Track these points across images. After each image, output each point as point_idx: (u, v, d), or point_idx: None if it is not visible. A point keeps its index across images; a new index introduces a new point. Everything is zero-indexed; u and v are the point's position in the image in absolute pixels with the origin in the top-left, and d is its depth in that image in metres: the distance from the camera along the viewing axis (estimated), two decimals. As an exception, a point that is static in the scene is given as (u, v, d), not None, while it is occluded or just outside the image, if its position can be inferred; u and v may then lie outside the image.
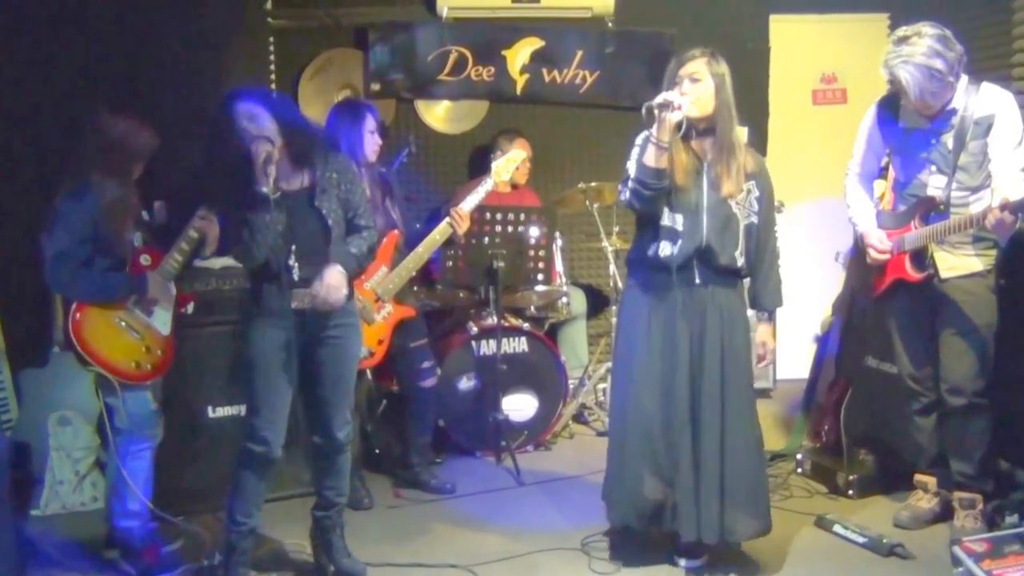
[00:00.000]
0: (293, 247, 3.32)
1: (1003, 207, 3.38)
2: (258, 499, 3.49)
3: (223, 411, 4.28)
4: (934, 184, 3.75)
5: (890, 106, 3.87)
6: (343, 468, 3.60)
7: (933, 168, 3.74)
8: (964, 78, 3.65)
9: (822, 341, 4.97)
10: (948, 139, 3.67)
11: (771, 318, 3.73)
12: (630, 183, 3.46)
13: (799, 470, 4.63)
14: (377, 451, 4.79)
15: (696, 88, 3.41)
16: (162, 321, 3.75)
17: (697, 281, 3.50)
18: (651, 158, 3.37)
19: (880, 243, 3.90)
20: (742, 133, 6.22)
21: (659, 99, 3.32)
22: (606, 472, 3.75)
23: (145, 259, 3.72)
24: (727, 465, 3.50)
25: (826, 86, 6.47)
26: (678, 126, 3.37)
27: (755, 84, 6.33)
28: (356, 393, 4.27)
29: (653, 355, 3.53)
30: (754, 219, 3.53)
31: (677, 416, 3.50)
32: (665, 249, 3.48)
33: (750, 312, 3.70)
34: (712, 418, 3.50)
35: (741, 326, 3.58)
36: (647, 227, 3.56)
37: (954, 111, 3.65)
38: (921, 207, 3.78)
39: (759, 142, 6.35)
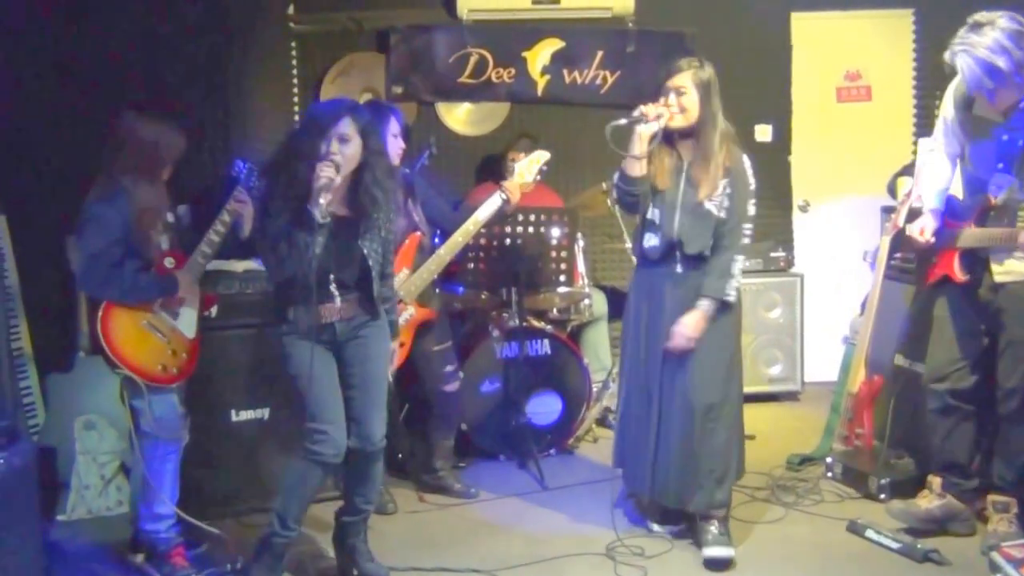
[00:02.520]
0: (332, 275, 3.36)
1: None
2: (308, 506, 3.50)
3: (246, 415, 4.27)
4: (997, 183, 3.58)
5: (965, 92, 3.68)
6: (376, 476, 3.58)
7: (1000, 166, 3.56)
8: None
9: (851, 342, 4.90)
10: (1018, 138, 3.49)
11: (706, 307, 3.67)
12: (614, 188, 3.86)
13: (829, 474, 4.57)
14: (400, 455, 4.76)
15: (681, 100, 3.67)
16: (187, 324, 3.77)
17: (679, 270, 3.75)
18: (629, 167, 3.73)
19: (920, 233, 3.81)
20: (765, 131, 6.25)
21: (636, 112, 3.65)
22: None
23: (170, 262, 3.73)
24: (697, 440, 3.73)
25: (850, 83, 6.41)
26: (653, 136, 3.67)
27: (777, 82, 6.30)
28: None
29: (639, 341, 3.88)
30: (723, 214, 3.69)
31: (652, 396, 3.82)
32: (649, 240, 3.81)
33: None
34: (679, 398, 3.75)
35: (723, 313, 3.73)
36: (641, 221, 3.87)
37: None
38: (980, 207, 3.66)
39: (782, 141, 6.34)
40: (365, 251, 3.39)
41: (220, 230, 3.72)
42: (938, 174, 3.89)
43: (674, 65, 3.72)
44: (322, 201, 3.19)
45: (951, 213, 3.84)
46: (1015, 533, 3.71)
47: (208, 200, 4.00)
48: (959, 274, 3.74)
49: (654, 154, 3.73)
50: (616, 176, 3.80)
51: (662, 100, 3.69)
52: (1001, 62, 3.34)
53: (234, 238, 3.80)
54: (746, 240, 3.71)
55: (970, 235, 3.69)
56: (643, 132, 3.65)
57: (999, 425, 3.82)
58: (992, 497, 3.83)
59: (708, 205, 3.67)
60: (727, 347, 3.78)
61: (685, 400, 3.74)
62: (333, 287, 3.38)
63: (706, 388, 3.72)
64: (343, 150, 3.25)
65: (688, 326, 3.67)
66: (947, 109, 3.80)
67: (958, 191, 3.94)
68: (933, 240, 3.80)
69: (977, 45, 3.36)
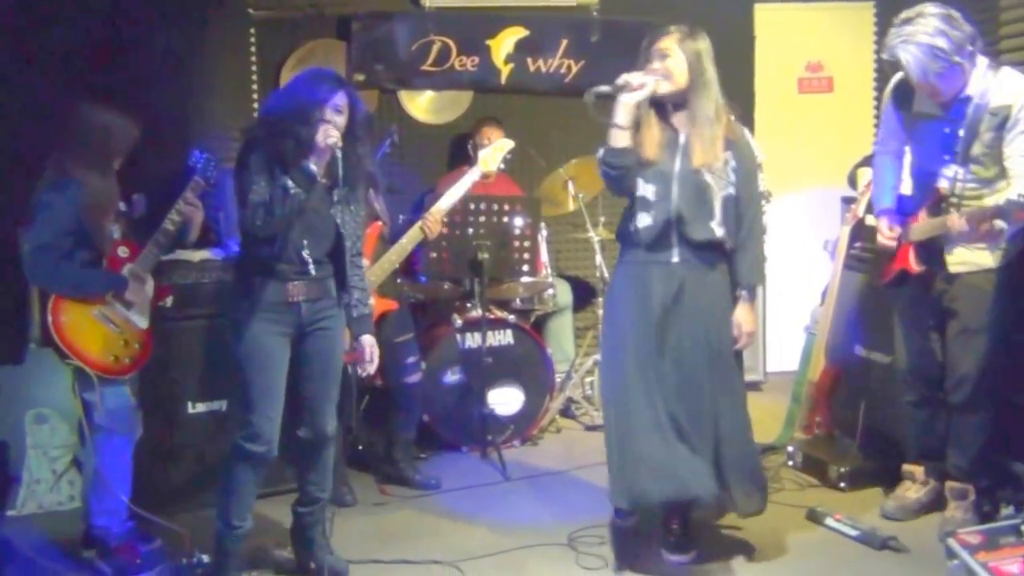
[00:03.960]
0: (306, 241, 3.30)
1: (971, 218, 3.37)
2: (252, 500, 3.42)
3: (202, 407, 4.19)
4: (945, 174, 3.62)
5: (905, 88, 3.70)
6: (328, 463, 3.54)
7: (946, 157, 3.60)
8: (983, 61, 3.50)
9: (811, 332, 4.91)
10: (960, 129, 3.53)
11: (750, 298, 3.53)
12: (599, 164, 3.51)
13: (790, 463, 4.57)
14: (360, 447, 4.72)
15: (666, 64, 3.43)
16: (140, 314, 3.70)
17: (675, 260, 3.46)
18: (613, 138, 3.42)
19: (887, 229, 3.82)
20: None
21: (619, 80, 3.37)
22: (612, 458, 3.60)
23: (123, 251, 3.68)
24: (722, 447, 3.49)
25: (812, 75, 6.41)
26: (638, 106, 3.40)
27: (740, 73, 6.28)
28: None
29: (639, 337, 3.48)
30: (731, 190, 3.46)
31: (664, 398, 3.44)
32: (643, 220, 3.47)
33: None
34: (697, 404, 3.46)
35: (724, 309, 3.52)
36: (630, 200, 3.55)
37: (968, 99, 3.50)
38: (930, 198, 3.68)
39: (745, 131, 6.31)
40: (338, 220, 3.36)
41: (176, 219, 3.68)
42: (886, 175, 3.92)
43: (660, 29, 3.51)
44: (329, 160, 3.23)
45: (901, 211, 3.87)
46: (971, 520, 3.75)
47: (164, 189, 3.93)
48: (915, 265, 3.75)
49: (643, 124, 3.45)
50: (600, 151, 3.46)
51: (648, 65, 3.46)
52: (942, 42, 3.37)
53: (179, 239, 3.76)
54: (765, 217, 3.58)
55: (918, 228, 3.72)
56: (627, 101, 3.37)
57: (949, 414, 3.85)
58: (949, 484, 3.86)
59: (707, 177, 3.41)
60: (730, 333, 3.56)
61: (725, 412, 3.51)
62: (306, 253, 3.31)
63: (737, 399, 3.58)
64: (336, 120, 3.26)
65: (747, 322, 3.50)
66: (887, 109, 3.85)
67: (907, 188, 3.96)
68: (900, 233, 3.80)
69: (915, 33, 3.39)
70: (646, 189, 3.47)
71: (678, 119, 3.50)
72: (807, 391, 4.71)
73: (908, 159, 3.90)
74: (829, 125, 6.33)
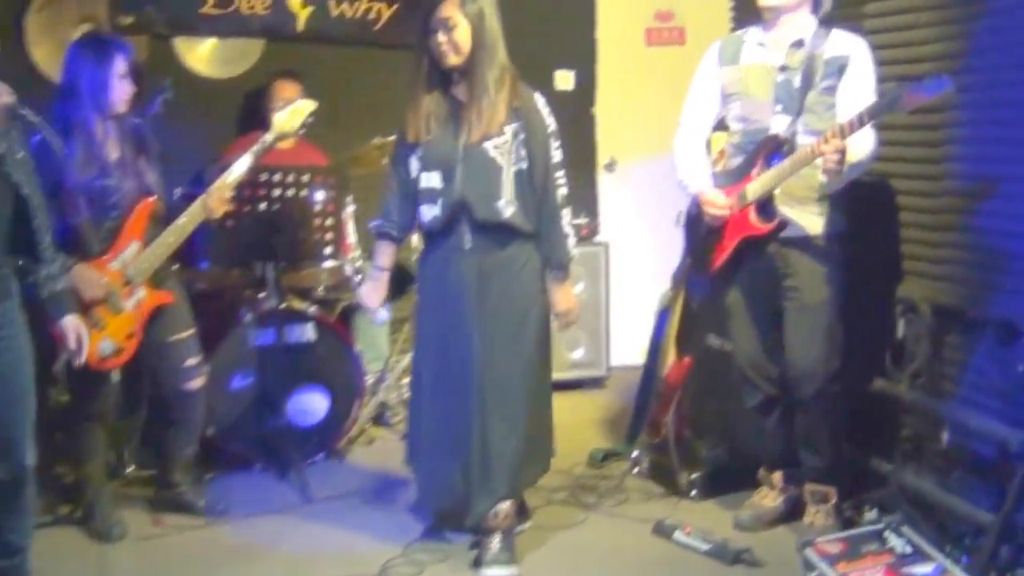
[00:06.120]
0: None
1: (838, 132, 3.55)
2: None
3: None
4: (777, 125, 3.87)
5: (732, 45, 4.04)
6: (29, 502, 3.39)
7: (778, 107, 3.87)
8: (814, 20, 3.85)
9: (660, 318, 5.07)
10: (795, 77, 3.83)
11: (561, 276, 3.81)
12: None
13: (635, 470, 4.75)
14: (129, 469, 4.66)
15: (453, 36, 3.63)
16: None
17: (467, 247, 3.75)
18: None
19: (717, 199, 3.98)
20: (566, 79, 6.38)
21: None
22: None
23: None
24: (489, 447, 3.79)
25: (661, 24, 6.61)
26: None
27: (581, 22, 6.44)
28: (101, 400, 4.23)
29: (435, 332, 3.91)
30: (523, 164, 3.71)
31: (454, 397, 3.82)
32: (429, 211, 3.80)
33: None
34: (480, 397, 3.76)
35: (523, 292, 3.78)
36: (412, 193, 3.86)
37: (801, 42, 3.82)
38: (763, 149, 3.90)
39: (586, 90, 6.48)
40: (26, 192, 3.25)
41: None
42: (697, 159, 4.15)
43: None
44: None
45: (718, 186, 4.06)
46: (832, 526, 3.97)
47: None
48: (760, 223, 3.89)
49: (419, 103, 3.75)
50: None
51: (432, 37, 3.64)
52: None
53: None
54: (563, 190, 3.75)
55: (760, 182, 3.87)
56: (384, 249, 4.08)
57: (795, 412, 4.06)
58: (809, 487, 4.08)
59: (492, 152, 3.67)
60: (521, 320, 3.79)
61: (482, 387, 3.76)
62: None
63: (504, 369, 3.77)
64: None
65: (562, 302, 3.81)
66: (706, 74, 4.13)
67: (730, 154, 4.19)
68: (730, 204, 3.97)
69: None
70: (430, 179, 3.76)
71: (461, 89, 3.73)
72: (656, 388, 4.87)
73: (733, 125, 4.11)
74: (681, 82, 6.45)
